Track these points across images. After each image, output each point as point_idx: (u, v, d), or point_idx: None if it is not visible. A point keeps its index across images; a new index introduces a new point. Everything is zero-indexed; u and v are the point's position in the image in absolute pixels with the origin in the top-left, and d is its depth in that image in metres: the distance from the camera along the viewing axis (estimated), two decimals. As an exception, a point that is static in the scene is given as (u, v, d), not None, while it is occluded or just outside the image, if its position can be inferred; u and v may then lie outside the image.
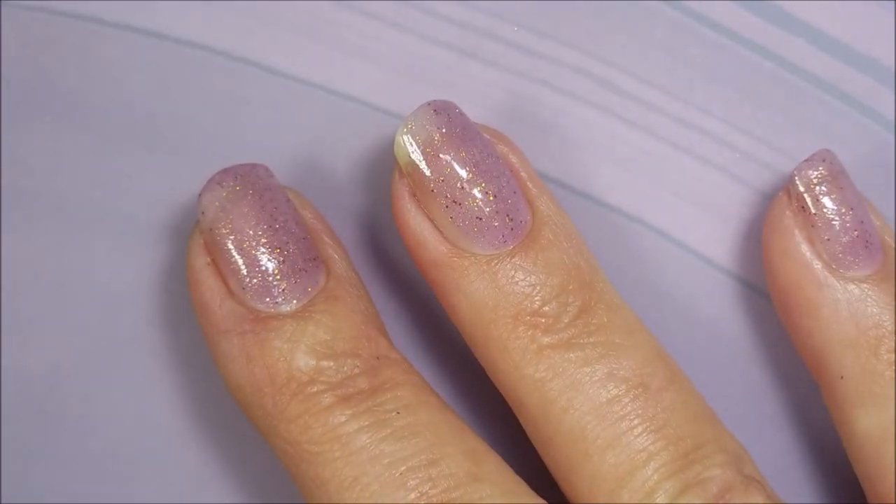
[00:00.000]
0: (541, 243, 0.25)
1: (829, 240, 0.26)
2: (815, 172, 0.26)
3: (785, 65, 0.28)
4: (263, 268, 0.25)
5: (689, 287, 0.28)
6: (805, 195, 0.26)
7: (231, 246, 0.25)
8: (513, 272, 0.25)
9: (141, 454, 0.28)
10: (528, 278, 0.25)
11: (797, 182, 0.26)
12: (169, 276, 0.28)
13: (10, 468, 0.28)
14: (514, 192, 0.25)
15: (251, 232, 0.25)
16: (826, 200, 0.26)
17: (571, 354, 0.25)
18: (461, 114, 0.25)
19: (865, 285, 0.26)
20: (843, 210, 0.26)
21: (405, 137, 0.25)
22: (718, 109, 0.28)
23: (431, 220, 0.25)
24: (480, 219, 0.25)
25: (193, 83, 0.27)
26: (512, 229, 0.25)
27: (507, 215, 0.25)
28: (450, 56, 0.28)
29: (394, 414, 0.24)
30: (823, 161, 0.26)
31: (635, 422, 0.24)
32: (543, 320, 0.25)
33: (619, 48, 0.28)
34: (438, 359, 0.28)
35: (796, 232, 0.26)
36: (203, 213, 0.25)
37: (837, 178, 0.26)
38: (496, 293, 0.25)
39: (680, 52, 0.28)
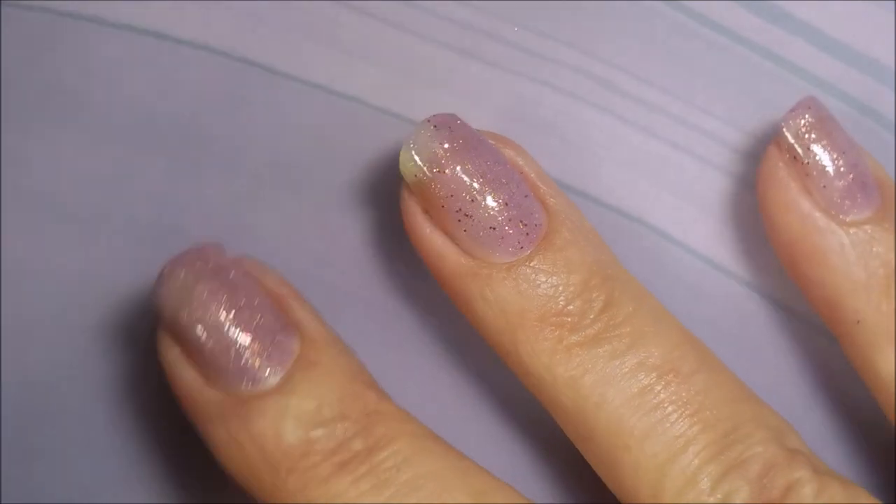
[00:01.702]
0: (558, 243, 0.25)
1: (825, 187, 0.26)
2: (803, 120, 0.26)
3: (785, 65, 0.28)
4: (235, 350, 0.24)
5: (689, 287, 0.28)
6: (795, 145, 0.26)
7: (197, 334, 0.24)
8: (534, 276, 0.25)
9: (141, 454, 0.28)
10: (549, 280, 0.25)
11: (786, 133, 0.26)
12: (169, 276, 0.28)
13: (10, 468, 0.28)
14: (526, 196, 0.25)
15: (215, 316, 0.24)
16: (817, 148, 0.26)
17: (600, 349, 0.25)
18: (462, 125, 0.25)
19: (868, 227, 0.26)
20: (836, 155, 0.26)
21: (409, 156, 0.25)
22: (718, 109, 0.28)
23: (445, 234, 0.25)
24: (494, 228, 0.25)
25: (193, 83, 0.27)
26: (527, 234, 0.25)
27: (521, 221, 0.25)
28: (450, 56, 0.28)
29: (394, 471, 0.24)
30: (809, 108, 0.26)
31: (669, 409, 0.24)
32: (569, 319, 0.25)
33: (619, 48, 0.28)
34: (439, 358, 0.28)
35: (792, 183, 0.26)
36: (162, 306, 0.24)
37: (825, 124, 0.26)
38: (520, 298, 0.25)
39: (680, 52, 0.28)
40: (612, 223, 0.28)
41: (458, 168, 0.25)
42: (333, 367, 0.25)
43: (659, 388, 0.24)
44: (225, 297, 0.24)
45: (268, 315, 0.25)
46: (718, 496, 0.24)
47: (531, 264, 0.25)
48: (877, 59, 0.28)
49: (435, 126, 0.25)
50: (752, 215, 0.28)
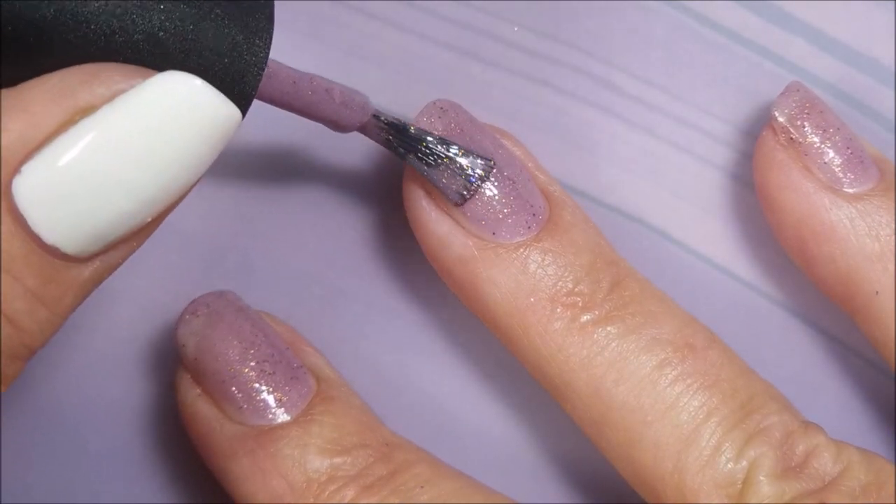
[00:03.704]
0: (563, 226, 0.25)
1: (826, 163, 0.26)
2: (794, 103, 0.26)
3: (785, 65, 0.28)
4: (256, 384, 0.25)
5: (689, 287, 0.28)
6: (790, 127, 0.26)
7: (220, 370, 0.25)
8: (541, 256, 0.25)
9: (141, 454, 0.28)
10: (558, 260, 0.25)
11: (778, 117, 0.26)
12: (169, 275, 0.28)
13: (10, 468, 0.28)
14: (529, 180, 0.26)
15: (236, 352, 0.25)
16: (811, 127, 0.26)
17: (612, 328, 0.25)
18: (465, 111, 0.26)
19: (874, 199, 0.26)
20: (831, 131, 0.26)
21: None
22: (718, 109, 0.28)
23: (452, 217, 0.25)
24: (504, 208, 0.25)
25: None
26: (533, 215, 0.25)
27: (527, 201, 0.25)
28: (450, 56, 0.28)
29: (417, 490, 0.24)
30: (798, 91, 0.26)
31: (688, 381, 0.25)
32: (580, 299, 0.25)
33: (619, 48, 0.28)
34: (440, 358, 0.28)
35: (792, 164, 0.26)
36: (184, 346, 0.25)
37: (815, 104, 0.26)
38: (529, 279, 0.25)
39: (680, 52, 0.28)
40: (612, 223, 0.28)
41: (471, 140, 0.25)
42: (349, 402, 0.26)
43: (676, 361, 0.25)
44: (244, 334, 0.25)
45: (285, 353, 0.26)
46: (744, 462, 0.24)
47: (540, 245, 0.25)
48: (877, 59, 0.28)
49: (441, 108, 0.25)
50: (752, 215, 0.28)
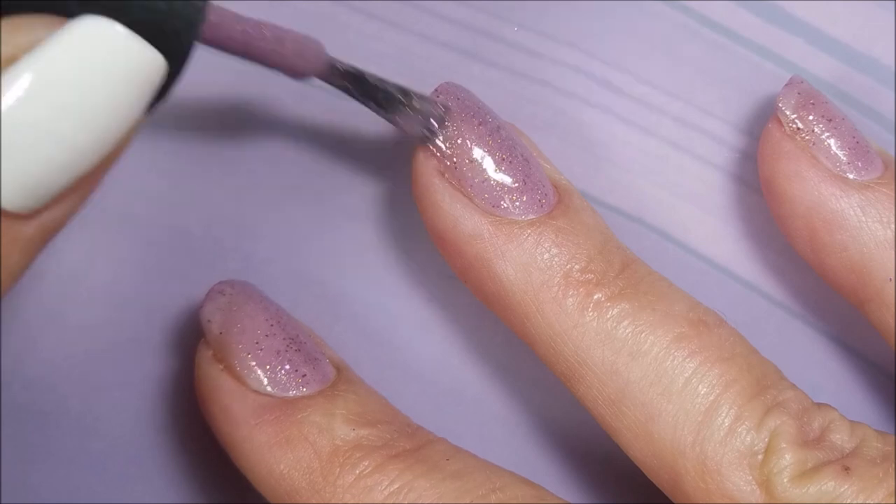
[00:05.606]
0: (574, 208, 0.26)
1: (833, 152, 0.26)
2: (798, 94, 0.26)
3: (785, 65, 0.28)
4: (282, 358, 0.25)
5: (689, 287, 0.28)
6: (795, 118, 0.26)
7: (246, 343, 0.25)
8: (555, 234, 0.25)
9: (141, 454, 0.28)
10: (571, 239, 0.25)
11: (784, 109, 0.26)
12: (169, 275, 0.28)
13: (10, 468, 0.28)
14: (539, 163, 0.26)
15: (263, 327, 0.25)
16: (817, 117, 0.26)
17: (626, 304, 0.25)
18: (470, 92, 0.26)
19: (881, 187, 0.26)
20: (837, 121, 0.26)
21: (437, 107, 0.25)
22: (718, 109, 0.28)
23: (466, 196, 0.25)
24: (517, 185, 0.25)
25: (194, 83, 0.27)
26: (546, 195, 0.25)
27: (539, 181, 0.25)
28: (450, 56, 0.28)
29: (444, 460, 0.25)
30: (801, 83, 0.27)
31: (705, 354, 0.25)
32: (593, 276, 0.25)
33: (619, 48, 0.28)
34: (440, 360, 0.28)
35: (799, 154, 0.26)
36: (209, 321, 0.26)
37: (818, 96, 0.27)
38: (543, 255, 0.25)
39: (680, 52, 0.28)
40: (612, 223, 0.28)
41: (482, 122, 0.25)
42: (369, 388, 0.26)
43: (693, 335, 0.25)
44: (270, 313, 0.26)
45: (309, 338, 0.26)
46: (765, 432, 0.24)
47: (554, 223, 0.25)
48: (877, 59, 0.28)
49: (450, 85, 0.26)
50: (752, 215, 0.28)
